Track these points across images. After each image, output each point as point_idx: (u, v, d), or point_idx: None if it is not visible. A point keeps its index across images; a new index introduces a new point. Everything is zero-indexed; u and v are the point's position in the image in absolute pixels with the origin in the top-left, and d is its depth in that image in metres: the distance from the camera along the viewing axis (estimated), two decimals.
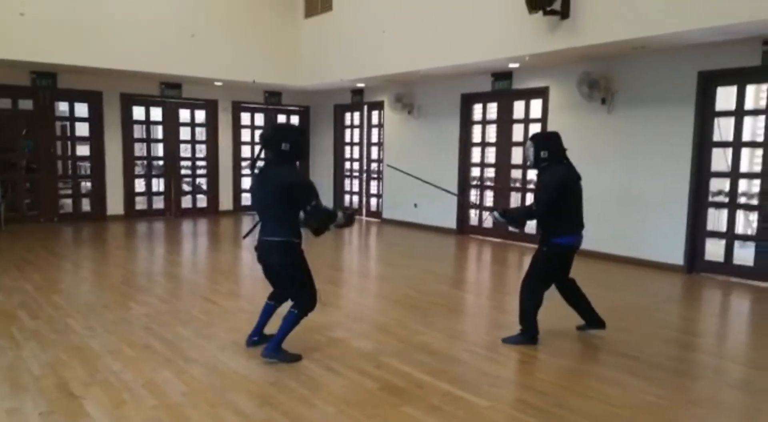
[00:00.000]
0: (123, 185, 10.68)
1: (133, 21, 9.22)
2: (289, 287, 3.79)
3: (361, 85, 11.10)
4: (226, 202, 11.98)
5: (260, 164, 3.79)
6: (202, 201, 11.92)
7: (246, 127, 12.30)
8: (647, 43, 6.51)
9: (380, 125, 11.29)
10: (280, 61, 10.96)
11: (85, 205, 10.66)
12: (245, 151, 12.26)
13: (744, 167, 6.63)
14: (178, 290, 5.64)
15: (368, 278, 6.69)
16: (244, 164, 12.24)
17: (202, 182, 12.04)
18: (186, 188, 11.87)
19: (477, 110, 9.59)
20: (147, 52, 9.38)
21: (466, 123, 9.67)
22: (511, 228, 4.75)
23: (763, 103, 6.37)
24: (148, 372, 3.51)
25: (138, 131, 11.03)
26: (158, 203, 11.39)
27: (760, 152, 6.47)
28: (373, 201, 11.72)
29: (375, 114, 11.51)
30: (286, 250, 3.63)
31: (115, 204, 10.65)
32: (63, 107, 10.32)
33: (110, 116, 10.46)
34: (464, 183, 9.71)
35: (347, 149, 12.39)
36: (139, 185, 11.24)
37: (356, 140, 12.12)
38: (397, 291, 5.76)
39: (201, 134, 11.73)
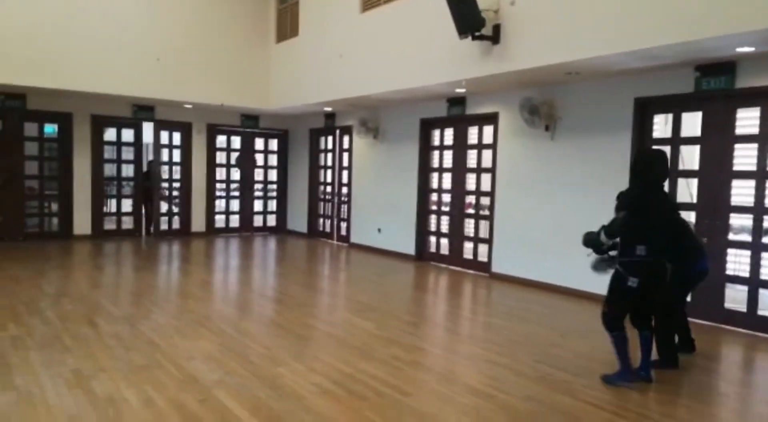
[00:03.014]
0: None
1: (101, 44, 9.44)
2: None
3: (328, 109, 11.10)
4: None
5: None
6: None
7: (222, 149, 12.42)
8: (579, 68, 6.31)
9: (350, 149, 11.23)
10: (252, 85, 11.07)
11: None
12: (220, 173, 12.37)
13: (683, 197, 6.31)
14: None
15: (278, 303, 6.43)
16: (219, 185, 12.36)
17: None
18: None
19: (435, 134, 9.45)
20: (116, 74, 9.58)
21: (425, 148, 9.53)
22: None
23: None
24: None
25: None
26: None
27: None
28: (343, 225, 11.59)
29: (346, 138, 11.46)
30: None
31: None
32: (32, 127, 10.50)
33: (80, 137, 10.66)
34: (423, 208, 9.53)
35: (321, 172, 12.36)
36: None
37: (330, 163, 12.09)
38: (297, 319, 5.60)
39: (176, 155, 11.86)
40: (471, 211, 8.82)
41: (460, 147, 8.95)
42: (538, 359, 4.55)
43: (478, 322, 6.05)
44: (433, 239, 9.53)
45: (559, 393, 3.87)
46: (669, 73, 6.10)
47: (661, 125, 6.56)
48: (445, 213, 9.25)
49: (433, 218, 9.51)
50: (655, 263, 3.99)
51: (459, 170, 8.95)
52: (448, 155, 9.18)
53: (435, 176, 9.44)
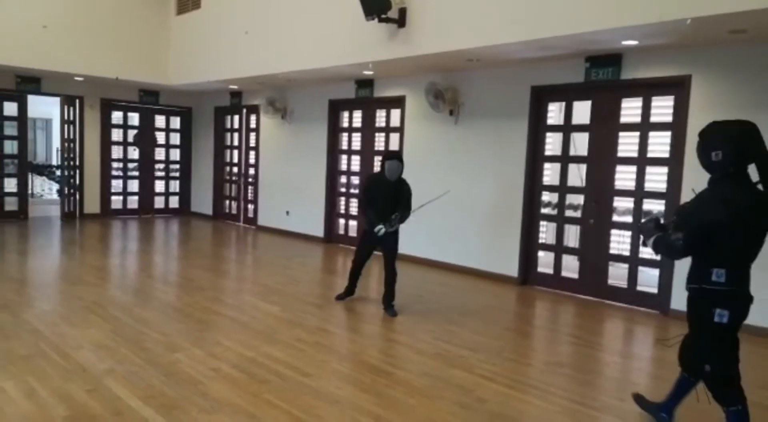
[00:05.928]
0: None
1: None
2: None
3: (234, 87, 10.75)
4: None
5: None
6: None
7: (118, 126, 11.71)
8: (479, 55, 6.49)
9: (257, 129, 10.97)
10: (150, 58, 10.47)
11: None
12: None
13: (572, 181, 6.71)
14: None
15: (178, 288, 6.20)
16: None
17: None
18: None
19: (344, 116, 9.43)
20: None
21: (334, 129, 9.48)
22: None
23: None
24: None
25: None
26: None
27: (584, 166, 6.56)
28: (250, 207, 11.34)
29: (253, 118, 11.17)
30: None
31: None
32: None
33: None
34: (332, 190, 9.51)
35: (227, 152, 11.99)
36: None
37: (236, 143, 11.74)
38: (198, 304, 5.44)
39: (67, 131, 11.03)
40: None
41: (368, 129, 9.00)
42: (436, 336, 4.72)
43: (381, 303, 6.14)
44: (341, 221, 9.56)
45: (454, 367, 4.04)
46: (562, 64, 6.43)
47: (556, 113, 6.93)
48: (353, 196, 9.29)
49: (342, 200, 9.52)
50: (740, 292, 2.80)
51: (367, 152, 9.00)
52: (356, 138, 9.20)
53: (344, 158, 9.44)
